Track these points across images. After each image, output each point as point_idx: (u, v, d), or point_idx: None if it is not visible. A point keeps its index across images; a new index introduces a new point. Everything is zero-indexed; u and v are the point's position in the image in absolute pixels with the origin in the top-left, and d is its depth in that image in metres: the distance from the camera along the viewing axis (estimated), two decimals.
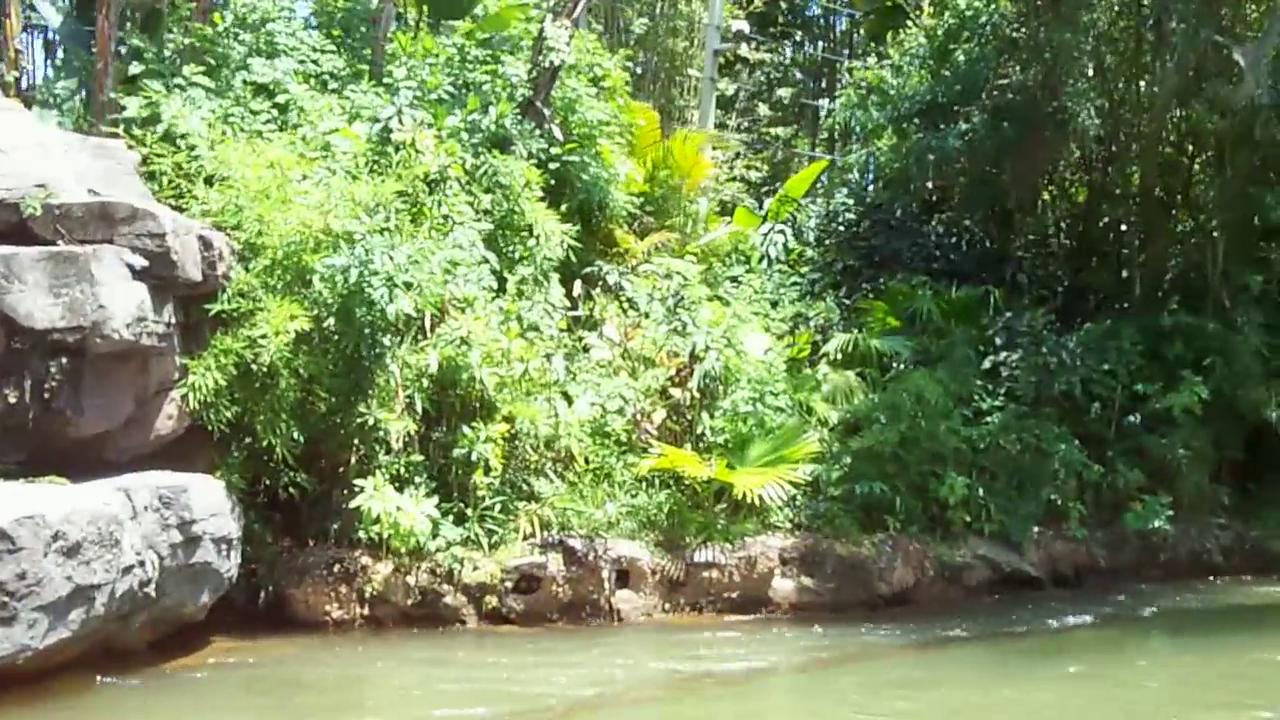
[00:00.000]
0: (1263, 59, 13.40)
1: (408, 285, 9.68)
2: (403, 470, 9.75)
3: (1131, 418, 13.54)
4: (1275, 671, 9.54)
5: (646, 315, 12.17)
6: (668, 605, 10.55)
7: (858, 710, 8.11)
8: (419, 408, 9.84)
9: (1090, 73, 14.89)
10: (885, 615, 10.95)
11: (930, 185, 15.87)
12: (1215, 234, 14.52)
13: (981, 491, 11.91)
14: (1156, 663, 9.88)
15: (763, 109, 26.33)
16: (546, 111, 12.58)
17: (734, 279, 14.16)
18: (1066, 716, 8.20)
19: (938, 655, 9.76)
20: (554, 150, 12.50)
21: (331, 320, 9.57)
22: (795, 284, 14.26)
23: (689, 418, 11.47)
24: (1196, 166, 16.05)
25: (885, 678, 9.00)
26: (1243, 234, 14.70)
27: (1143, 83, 15.47)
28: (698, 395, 11.43)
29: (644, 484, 10.82)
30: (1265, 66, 13.46)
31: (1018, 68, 15.10)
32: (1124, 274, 15.72)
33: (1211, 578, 13.64)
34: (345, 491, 9.50)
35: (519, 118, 12.22)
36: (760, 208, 17.06)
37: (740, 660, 9.32)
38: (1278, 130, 14.32)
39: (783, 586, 10.85)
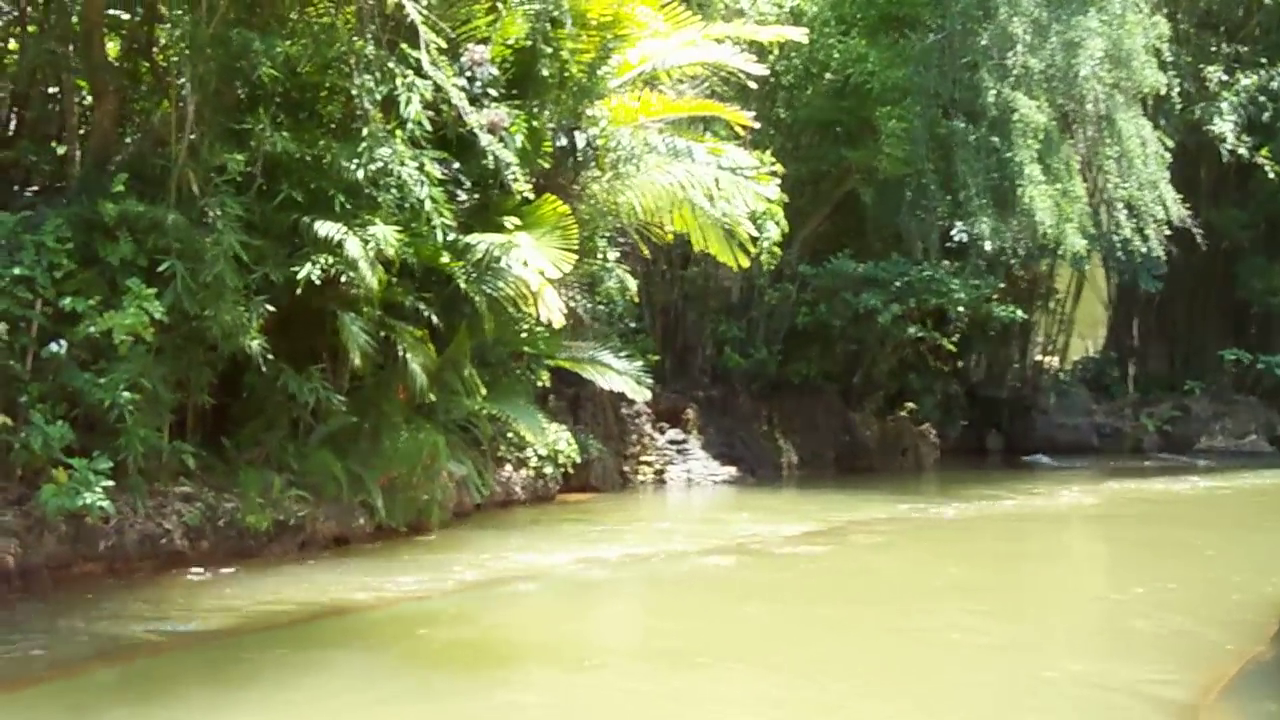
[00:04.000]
0: None
1: None
2: None
3: (56, 346, 12.93)
4: None
5: None
6: None
7: None
8: None
9: None
10: None
11: None
12: (184, 97, 14.31)
13: None
14: None
15: None
16: None
17: None
18: None
19: None
20: None
21: None
22: None
23: None
24: (163, 8, 15.79)
25: None
26: (223, 97, 14.74)
27: None
28: None
29: None
30: None
31: None
32: (62, 149, 15.09)
33: (181, 571, 13.59)
34: None
35: None
36: None
37: None
38: None
39: None
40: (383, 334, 15.48)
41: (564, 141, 18.01)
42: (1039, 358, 36.70)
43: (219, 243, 13.52)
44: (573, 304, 20.75)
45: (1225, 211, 34.40)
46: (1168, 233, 28.97)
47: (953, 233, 28.13)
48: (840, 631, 12.38)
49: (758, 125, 20.85)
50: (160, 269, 13.39)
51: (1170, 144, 29.71)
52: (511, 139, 16.10)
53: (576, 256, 16.95)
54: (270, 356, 14.11)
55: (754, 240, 20.99)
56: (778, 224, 22.62)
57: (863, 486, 24.46)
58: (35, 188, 15.34)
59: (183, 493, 14.20)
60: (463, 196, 16.68)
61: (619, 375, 20.21)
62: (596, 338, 21.64)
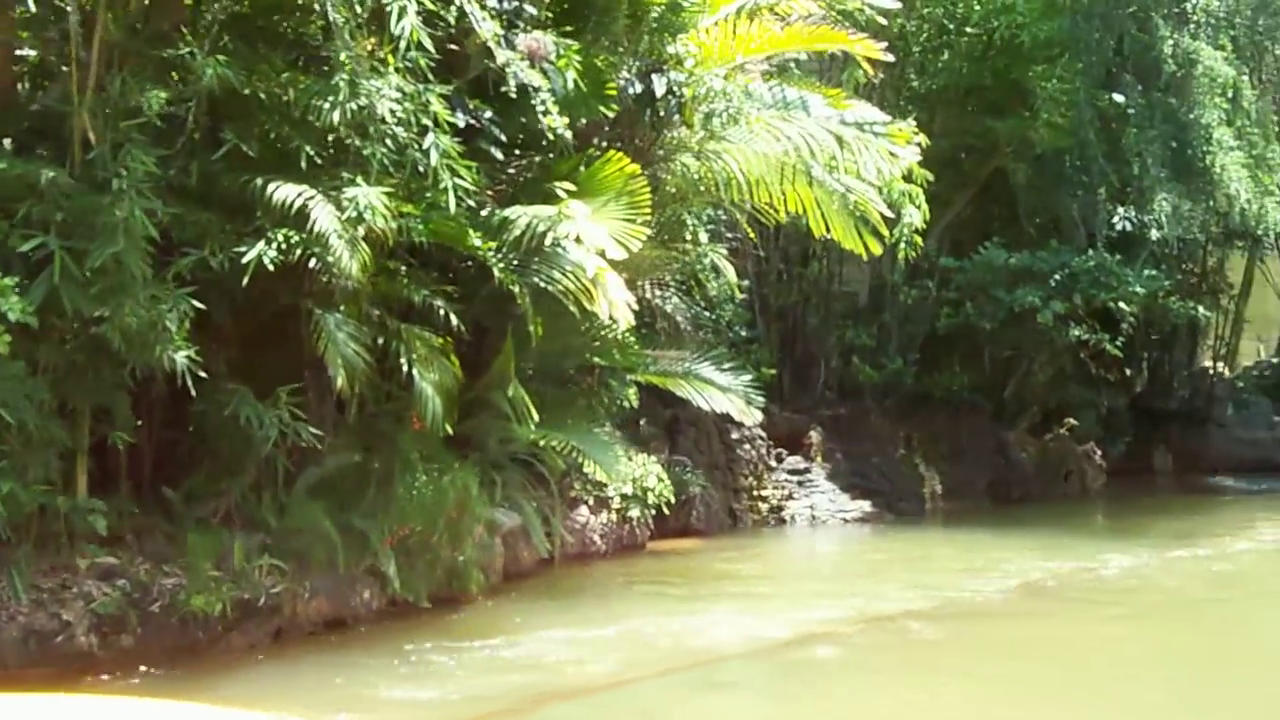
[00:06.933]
0: None
1: None
2: None
3: None
4: None
5: None
6: None
7: None
8: None
9: None
10: None
11: None
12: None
13: None
14: None
15: None
16: None
17: None
18: None
19: None
20: None
21: None
22: None
23: None
24: None
25: None
26: (150, 20, 10.29)
27: None
28: None
29: None
30: None
31: None
32: None
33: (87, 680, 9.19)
34: None
35: None
36: None
37: None
38: None
39: None
40: (381, 341, 10.89)
41: (639, 88, 13.27)
42: (1207, 363, 31.15)
43: (113, 211, 8.97)
44: (668, 307, 16.18)
45: None
46: None
47: (1114, 220, 22.93)
48: None
49: (890, 58, 15.87)
50: (24, 248, 8.92)
51: None
52: (560, 75, 11.49)
53: (649, 231, 12.13)
54: (205, 374, 9.53)
55: (888, 222, 16.06)
56: (918, 207, 17.57)
57: (1038, 523, 19.56)
58: None
59: (102, 567, 9.75)
60: (501, 158, 12.11)
61: (723, 393, 15.45)
62: (700, 348, 16.78)
